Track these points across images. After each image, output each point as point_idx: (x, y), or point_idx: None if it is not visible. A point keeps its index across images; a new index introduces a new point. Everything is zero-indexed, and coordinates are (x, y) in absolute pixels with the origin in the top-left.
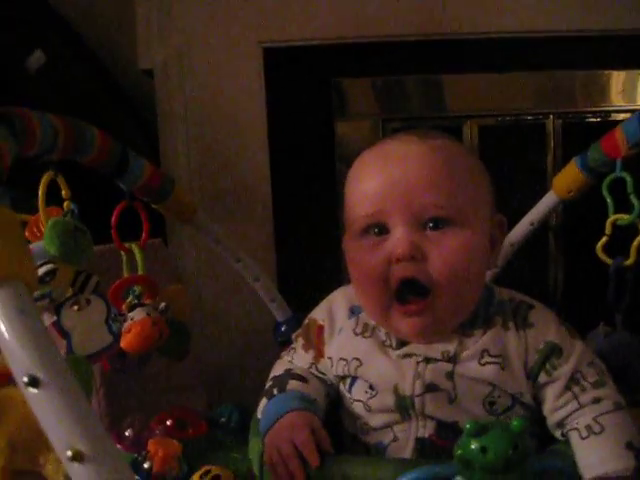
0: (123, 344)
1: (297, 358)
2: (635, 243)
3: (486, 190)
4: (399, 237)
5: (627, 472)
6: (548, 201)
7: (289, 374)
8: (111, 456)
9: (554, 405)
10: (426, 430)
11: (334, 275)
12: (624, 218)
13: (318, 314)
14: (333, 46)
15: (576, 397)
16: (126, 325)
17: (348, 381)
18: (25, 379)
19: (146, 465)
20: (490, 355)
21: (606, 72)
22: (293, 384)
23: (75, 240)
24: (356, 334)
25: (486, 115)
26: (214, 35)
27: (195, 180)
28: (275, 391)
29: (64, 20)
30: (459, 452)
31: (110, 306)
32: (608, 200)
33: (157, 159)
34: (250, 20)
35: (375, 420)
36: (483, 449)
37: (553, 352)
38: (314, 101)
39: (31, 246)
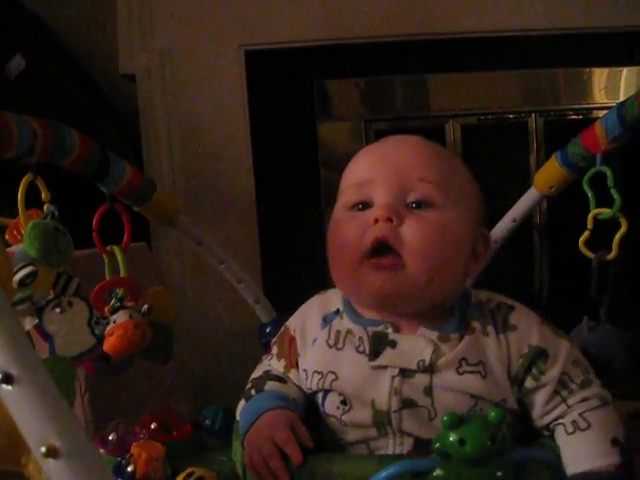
0: (106, 347)
1: (273, 364)
2: (617, 237)
3: (473, 197)
4: (380, 203)
5: (612, 468)
6: (530, 197)
7: (267, 375)
8: (86, 451)
9: (543, 410)
10: (404, 447)
11: (319, 276)
12: (605, 212)
13: (292, 323)
14: (315, 48)
15: (564, 400)
16: (108, 328)
17: (320, 395)
18: None
19: (129, 468)
20: (469, 364)
21: (588, 69)
22: (271, 384)
23: (55, 242)
24: (329, 346)
25: (468, 114)
26: (196, 39)
27: (179, 183)
28: (253, 392)
29: (44, 24)
30: (437, 445)
31: (92, 308)
32: (589, 195)
33: (140, 164)
34: (232, 23)
35: (351, 435)
36: (461, 441)
37: (539, 356)
38: (296, 103)
39: (11, 249)
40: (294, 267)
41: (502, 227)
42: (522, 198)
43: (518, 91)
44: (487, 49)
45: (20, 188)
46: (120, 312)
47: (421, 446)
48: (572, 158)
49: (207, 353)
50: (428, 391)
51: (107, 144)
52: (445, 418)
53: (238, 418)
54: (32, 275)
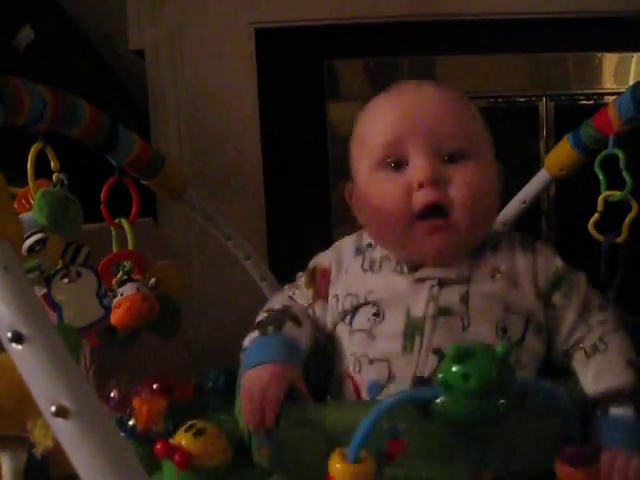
0: (112, 320)
1: (298, 295)
2: (627, 220)
3: (489, 134)
4: (421, 165)
5: (627, 388)
6: (540, 179)
7: (287, 313)
8: (95, 411)
9: (569, 331)
10: (427, 367)
11: None
12: (616, 195)
13: (324, 258)
14: (325, 27)
15: (586, 321)
16: (116, 301)
17: (349, 315)
18: (9, 335)
19: (130, 422)
20: (500, 272)
21: (599, 54)
22: (289, 326)
23: (64, 209)
24: (364, 270)
25: (479, 97)
26: (206, 15)
27: (187, 160)
28: (270, 329)
29: None
30: (440, 376)
31: (101, 279)
32: (600, 177)
33: (148, 140)
34: (242, 0)
35: (375, 350)
36: (465, 375)
37: (564, 276)
38: (306, 82)
39: (20, 216)
40: (301, 245)
41: (511, 209)
42: (532, 180)
43: (529, 75)
44: (498, 31)
45: (30, 156)
46: (127, 285)
47: None
48: (584, 140)
49: (212, 329)
50: (464, 299)
51: (115, 120)
52: (450, 350)
53: (246, 345)
54: (42, 242)
